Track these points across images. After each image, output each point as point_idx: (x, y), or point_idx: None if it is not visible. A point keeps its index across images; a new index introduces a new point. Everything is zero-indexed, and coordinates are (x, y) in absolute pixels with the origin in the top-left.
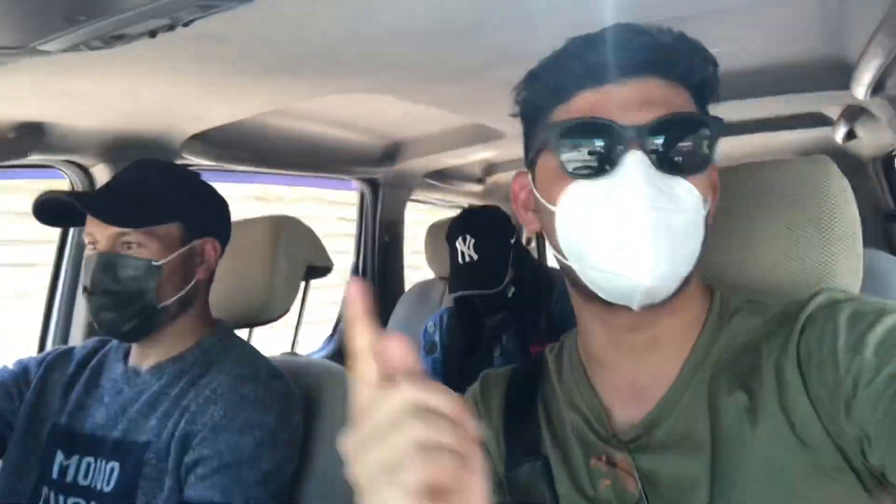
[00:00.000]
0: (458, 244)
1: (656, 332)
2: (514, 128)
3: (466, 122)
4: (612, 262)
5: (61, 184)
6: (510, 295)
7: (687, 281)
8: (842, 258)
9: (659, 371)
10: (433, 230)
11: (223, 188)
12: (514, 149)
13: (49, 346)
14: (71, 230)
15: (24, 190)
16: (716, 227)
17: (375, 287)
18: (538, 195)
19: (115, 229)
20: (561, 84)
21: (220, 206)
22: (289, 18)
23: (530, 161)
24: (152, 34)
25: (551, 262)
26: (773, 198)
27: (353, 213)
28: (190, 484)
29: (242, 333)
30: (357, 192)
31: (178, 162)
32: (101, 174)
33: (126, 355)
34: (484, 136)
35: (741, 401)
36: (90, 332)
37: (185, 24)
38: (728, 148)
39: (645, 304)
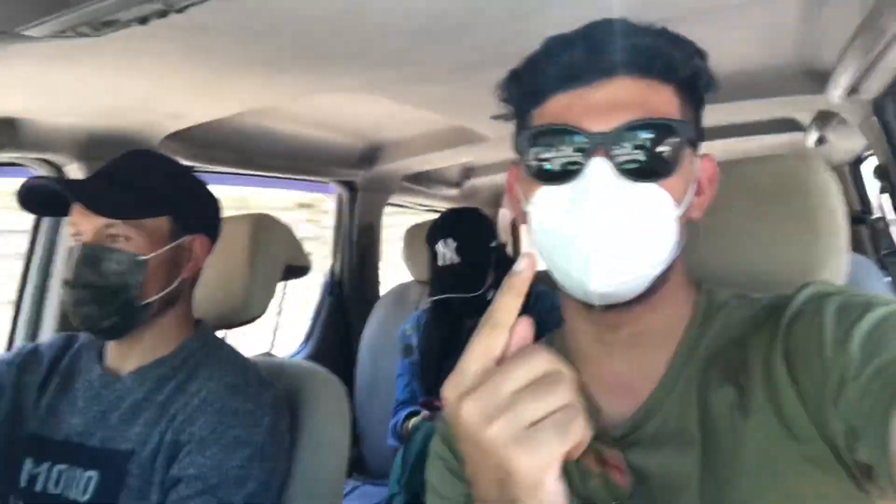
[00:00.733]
0: (440, 247)
1: (640, 329)
2: (495, 131)
3: (447, 124)
4: (569, 266)
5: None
6: (490, 298)
7: (659, 281)
8: (826, 253)
9: (646, 367)
10: (411, 233)
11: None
12: (494, 153)
13: (18, 341)
14: (43, 221)
15: None
16: (701, 222)
17: (351, 291)
18: (520, 191)
19: (102, 220)
20: (536, 86)
21: (212, 203)
22: (279, 11)
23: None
24: (143, 21)
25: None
26: (758, 193)
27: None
28: (171, 501)
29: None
30: (334, 195)
31: None
32: (75, 173)
33: (100, 356)
34: (464, 139)
35: (730, 395)
36: (61, 327)
37: (179, 11)
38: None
39: (608, 304)
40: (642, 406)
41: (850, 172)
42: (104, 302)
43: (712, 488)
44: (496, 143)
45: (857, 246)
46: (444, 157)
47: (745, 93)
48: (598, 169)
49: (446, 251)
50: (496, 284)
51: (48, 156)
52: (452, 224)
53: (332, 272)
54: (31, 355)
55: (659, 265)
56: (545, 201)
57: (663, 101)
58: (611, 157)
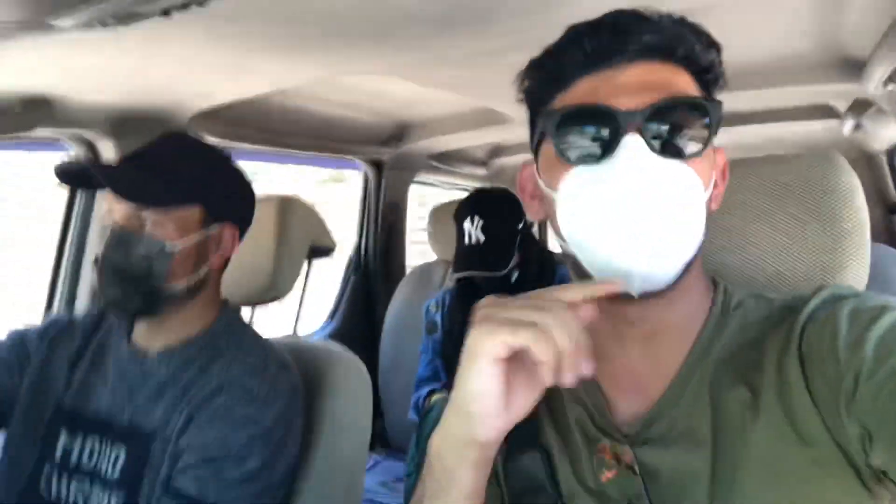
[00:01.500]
0: (466, 225)
1: (658, 325)
2: (522, 112)
3: (473, 105)
4: (611, 245)
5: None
6: (513, 279)
7: (688, 268)
8: (849, 254)
9: (661, 364)
10: (437, 212)
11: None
12: (520, 132)
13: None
14: (78, 195)
15: None
16: (719, 218)
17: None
18: (541, 182)
19: (133, 205)
20: (561, 71)
21: (246, 191)
22: None
23: (534, 148)
24: (166, 13)
25: (553, 246)
26: (780, 192)
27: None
28: (174, 472)
29: (245, 312)
30: (361, 173)
31: None
32: (107, 149)
33: (129, 333)
34: (490, 119)
35: (743, 396)
36: (96, 301)
37: (200, 4)
38: (736, 138)
39: (645, 289)
40: (655, 405)
41: (888, 161)
42: (129, 286)
43: (721, 488)
44: (522, 124)
45: (890, 237)
46: (471, 137)
47: (780, 79)
48: (634, 145)
49: (473, 230)
50: (521, 265)
51: (81, 132)
52: (480, 203)
53: (357, 250)
54: (65, 329)
55: (692, 247)
56: (577, 184)
57: (686, 85)
58: (644, 135)
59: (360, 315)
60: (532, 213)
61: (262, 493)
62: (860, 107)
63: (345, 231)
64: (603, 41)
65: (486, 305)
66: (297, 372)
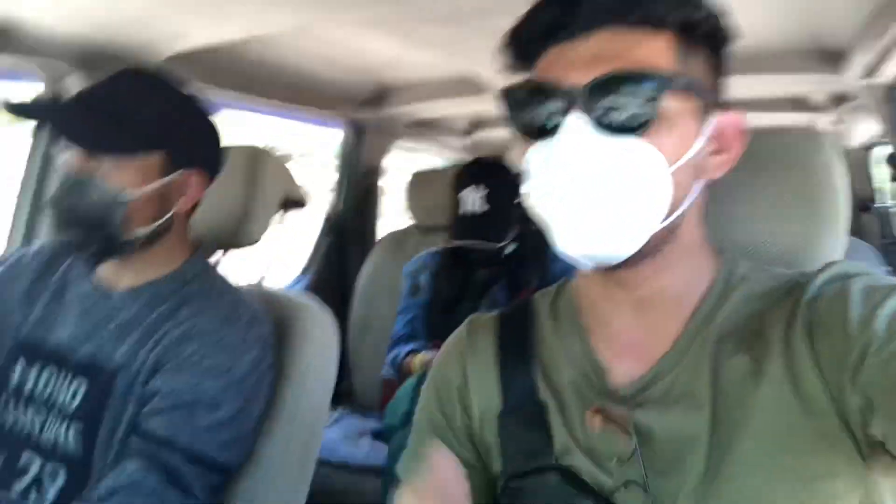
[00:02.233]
0: (468, 192)
1: (651, 291)
2: (503, 82)
3: (455, 72)
4: (556, 226)
5: (36, 87)
6: (508, 251)
7: (662, 240)
8: (824, 232)
9: (658, 330)
10: (416, 178)
11: None
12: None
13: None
14: (41, 131)
15: None
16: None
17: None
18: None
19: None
20: (525, 46)
21: (210, 134)
22: None
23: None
24: None
25: None
26: (760, 166)
27: None
28: (143, 414)
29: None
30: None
31: None
32: (76, 84)
33: (92, 268)
34: (473, 88)
35: (745, 364)
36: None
37: None
38: None
39: (600, 265)
40: (652, 367)
41: (863, 156)
42: (84, 232)
43: (719, 454)
44: (511, 68)
45: (862, 233)
46: (452, 105)
47: (759, 67)
48: (574, 123)
49: (474, 198)
50: (518, 239)
51: (49, 64)
52: (483, 172)
53: (333, 210)
54: (14, 265)
55: (650, 223)
56: (530, 161)
57: (650, 51)
58: (589, 112)
59: (333, 275)
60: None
61: (233, 442)
62: (838, 101)
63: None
64: (557, 11)
65: None
66: (269, 323)
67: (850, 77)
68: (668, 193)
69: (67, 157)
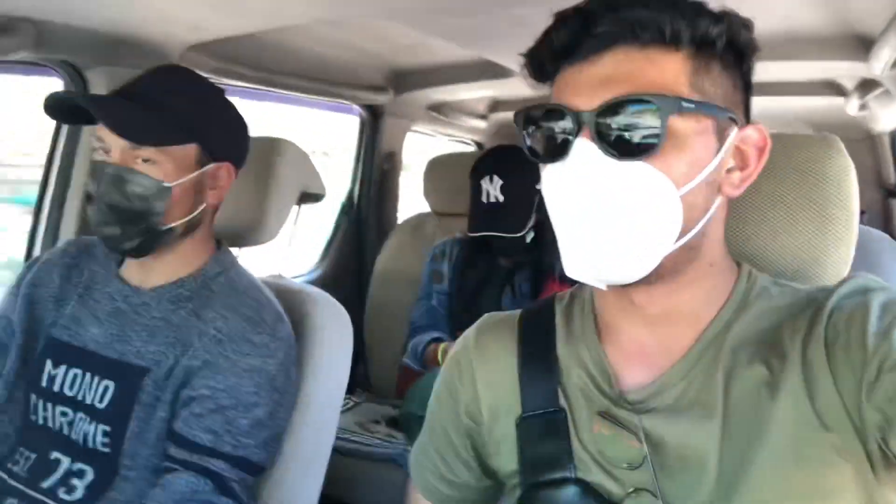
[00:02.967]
0: (484, 183)
1: (668, 307)
2: (522, 67)
3: (474, 56)
4: (568, 247)
5: (56, 83)
6: (529, 240)
7: (680, 261)
8: (834, 241)
9: (672, 340)
10: (434, 164)
11: None
12: (520, 88)
13: (37, 249)
14: (63, 127)
15: None
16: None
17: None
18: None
19: (129, 143)
20: (542, 64)
21: (241, 129)
22: None
23: None
24: None
25: None
26: (771, 171)
27: None
28: (182, 418)
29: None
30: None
31: None
32: (96, 78)
33: (118, 265)
34: (491, 72)
35: (760, 374)
36: (80, 234)
37: None
38: None
39: (612, 285)
40: (663, 374)
41: (890, 143)
42: (127, 224)
43: (732, 464)
44: (523, 79)
45: (886, 220)
46: (471, 89)
47: (789, 52)
48: (581, 149)
49: (491, 188)
50: (536, 227)
51: (70, 58)
52: (499, 162)
53: (349, 196)
54: (41, 269)
55: (661, 246)
56: (545, 181)
57: (662, 71)
58: (596, 136)
59: (350, 261)
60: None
61: (268, 441)
62: (867, 87)
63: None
64: (569, 32)
65: None
66: (289, 321)
67: (877, 64)
68: (677, 216)
69: (103, 153)
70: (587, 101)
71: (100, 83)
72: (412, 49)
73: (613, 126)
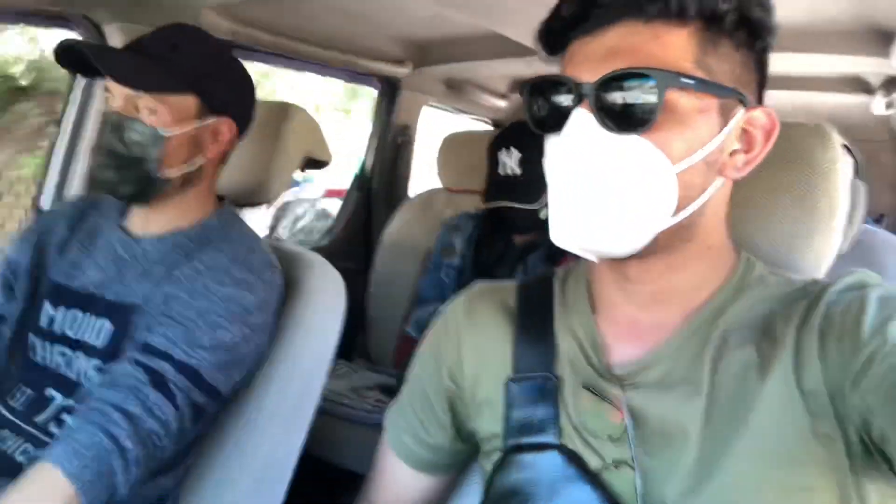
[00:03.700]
0: (502, 155)
1: (660, 287)
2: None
3: (494, 32)
4: (551, 218)
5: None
6: (542, 216)
7: (675, 239)
8: (817, 232)
9: (665, 318)
10: (449, 141)
11: None
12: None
13: (45, 201)
14: (77, 83)
15: None
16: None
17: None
18: None
19: (129, 90)
20: (553, 37)
21: (246, 86)
22: None
23: None
24: None
25: None
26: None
27: None
28: (152, 333)
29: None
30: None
31: None
32: (114, 33)
33: (122, 217)
34: (512, 50)
35: (750, 356)
36: (88, 190)
37: None
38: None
39: (603, 257)
40: (652, 350)
41: None
42: (122, 169)
43: (713, 442)
44: (545, 58)
45: None
46: (490, 66)
47: (813, 45)
48: (578, 120)
49: (508, 161)
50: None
51: (88, 12)
52: (518, 135)
53: (362, 167)
54: (51, 219)
55: (653, 221)
56: (547, 153)
57: (665, 47)
58: (595, 108)
59: (359, 232)
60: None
61: (226, 366)
62: (892, 85)
63: None
64: (577, 5)
65: None
66: (281, 275)
67: None
68: (672, 192)
69: (107, 104)
70: (590, 73)
71: (117, 39)
72: (432, 22)
73: (611, 99)
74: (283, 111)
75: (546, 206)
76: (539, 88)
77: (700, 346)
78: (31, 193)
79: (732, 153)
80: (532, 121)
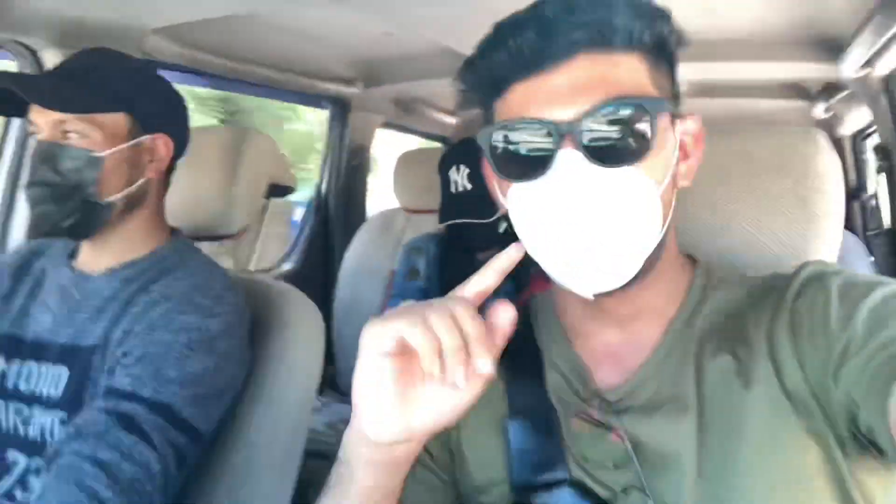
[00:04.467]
0: (452, 174)
1: (634, 308)
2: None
3: (447, 49)
4: (557, 261)
5: (9, 65)
6: (501, 230)
7: (651, 260)
8: (820, 237)
9: (640, 339)
10: (404, 160)
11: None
12: None
13: None
14: (11, 124)
15: None
16: (692, 189)
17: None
18: (495, 184)
19: (56, 116)
20: (492, 76)
21: (176, 102)
22: None
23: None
24: None
25: None
26: (757, 166)
27: None
28: (113, 373)
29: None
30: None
31: (139, 57)
32: (52, 59)
33: (70, 258)
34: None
35: (727, 364)
36: (31, 235)
37: None
38: (703, 110)
39: (599, 293)
40: (635, 373)
41: (851, 147)
42: (61, 200)
43: (712, 457)
44: (475, 105)
45: (847, 222)
46: (443, 84)
47: (757, 53)
48: (568, 160)
49: (458, 178)
50: (508, 219)
51: (23, 38)
52: (465, 152)
53: (318, 191)
54: None
55: (647, 248)
56: (520, 200)
57: (629, 73)
58: (580, 146)
59: (317, 258)
60: (500, 207)
61: (200, 399)
62: (832, 90)
63: None
64: (527, 41)
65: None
66: (243, 296)
67: (846, 67)
68: (658, 215)
69: (34, 134)
70: (563, 109)
71: (54, 64)
72: (383, 41)
73: (600, 133)
74: (241, 136)
75: (504, 219)
76: (502, 136)
77: (680, 360)
78: None
79: (677, 163)
80: (498, 168)
